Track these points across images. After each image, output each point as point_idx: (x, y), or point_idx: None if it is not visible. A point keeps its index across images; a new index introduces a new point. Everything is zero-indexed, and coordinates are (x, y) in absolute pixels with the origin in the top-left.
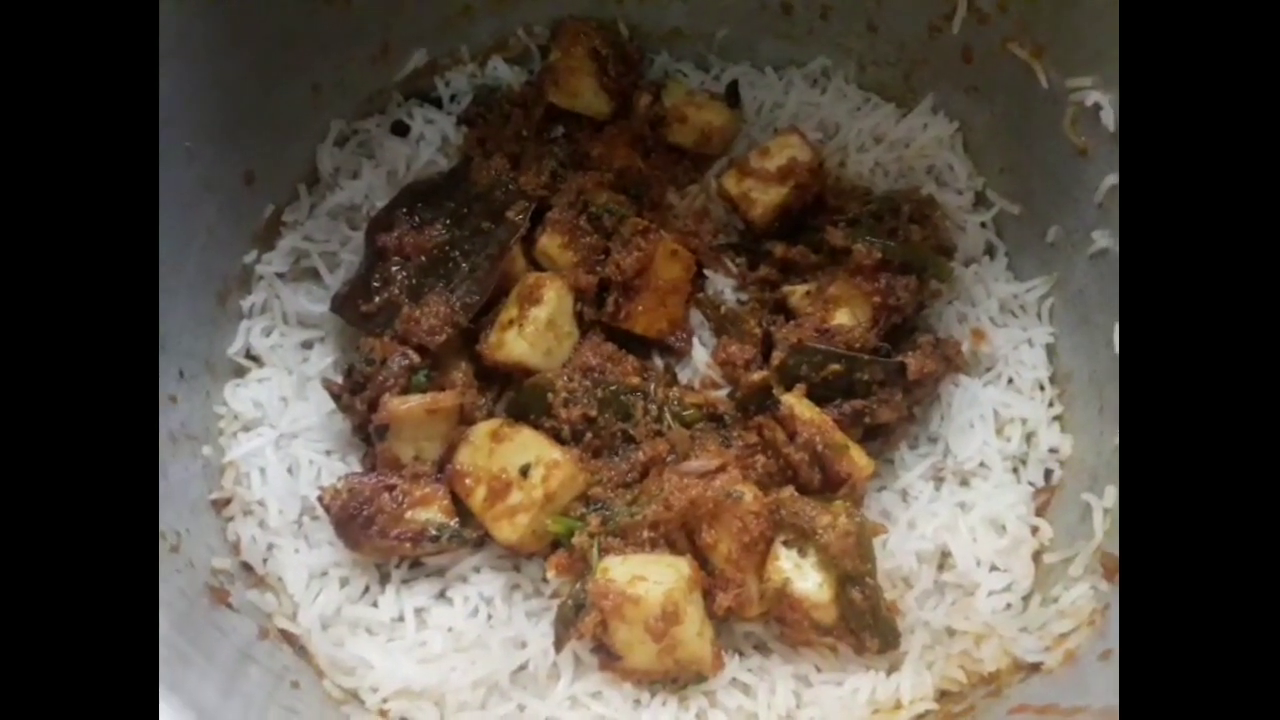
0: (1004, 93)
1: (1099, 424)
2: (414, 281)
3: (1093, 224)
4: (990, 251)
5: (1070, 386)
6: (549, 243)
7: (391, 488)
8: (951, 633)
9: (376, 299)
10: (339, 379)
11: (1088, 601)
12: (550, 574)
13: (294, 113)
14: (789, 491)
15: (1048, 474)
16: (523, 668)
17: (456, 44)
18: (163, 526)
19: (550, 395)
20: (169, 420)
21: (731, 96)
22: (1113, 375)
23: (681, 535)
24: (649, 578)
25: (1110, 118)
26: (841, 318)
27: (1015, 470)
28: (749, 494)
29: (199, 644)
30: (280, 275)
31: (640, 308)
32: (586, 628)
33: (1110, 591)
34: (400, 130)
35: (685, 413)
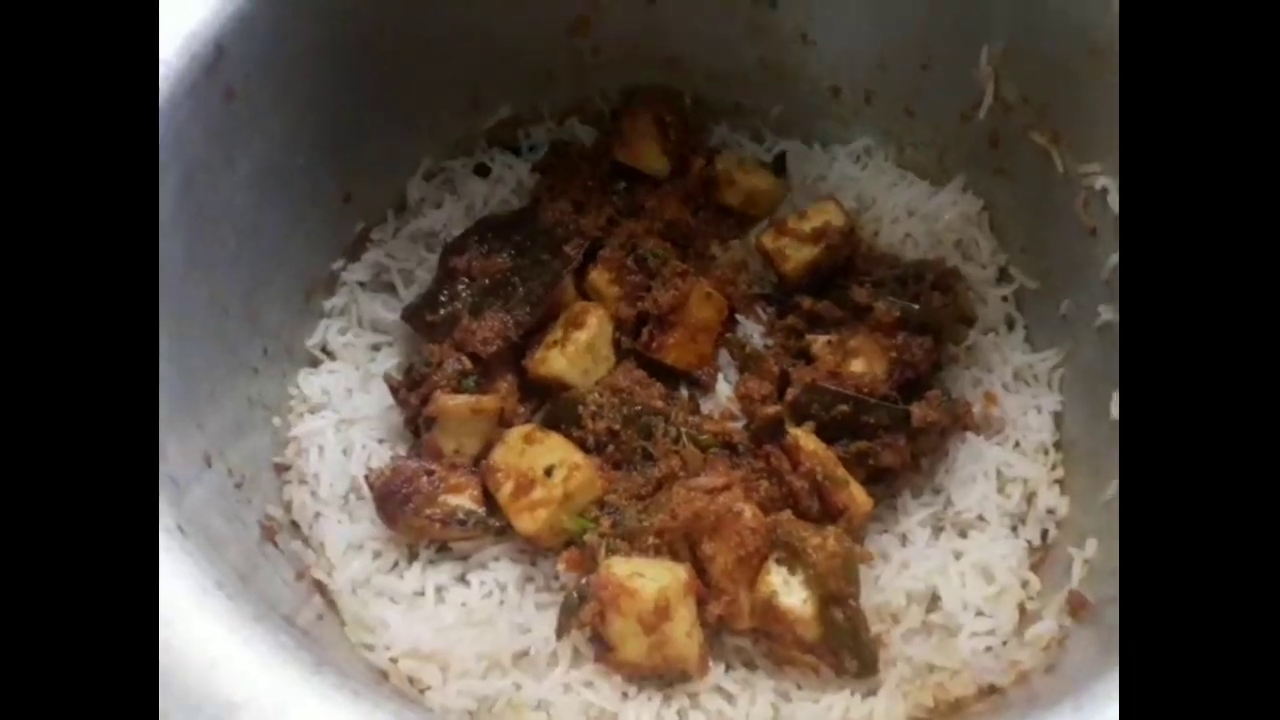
0: (1026, 175)
1: (1095, 488)
2: (476, 299)
3: (1100, 299)
4: (1010, 324)
5: (1073, 452)
6: (598, 277)
7: (431, 473)
8: (931, 669)
9: (441, 311)
10: (400, 377)
11: (1050, 635)
12: (561, 568)
13: (392, 147)
14: (787, 514)
15: (1044, 534)
16: (525, 652)
17: (539, 102)
18: (231, 466)
19: (581, 408)
20: (249, 387)
21: (778, 166)
22: (1110, 443)
23: (684, 545)
24: (647, 575)
25: (1114, 200)
26: (857, 366)
27: (1014, 528)
28: (749, 511)
29: (247, 558)
30: (361, 284)
31: (672, 340)
32: (586, 616)
33: (1072, 626)
34: (482, 171)
35: (701, 437)
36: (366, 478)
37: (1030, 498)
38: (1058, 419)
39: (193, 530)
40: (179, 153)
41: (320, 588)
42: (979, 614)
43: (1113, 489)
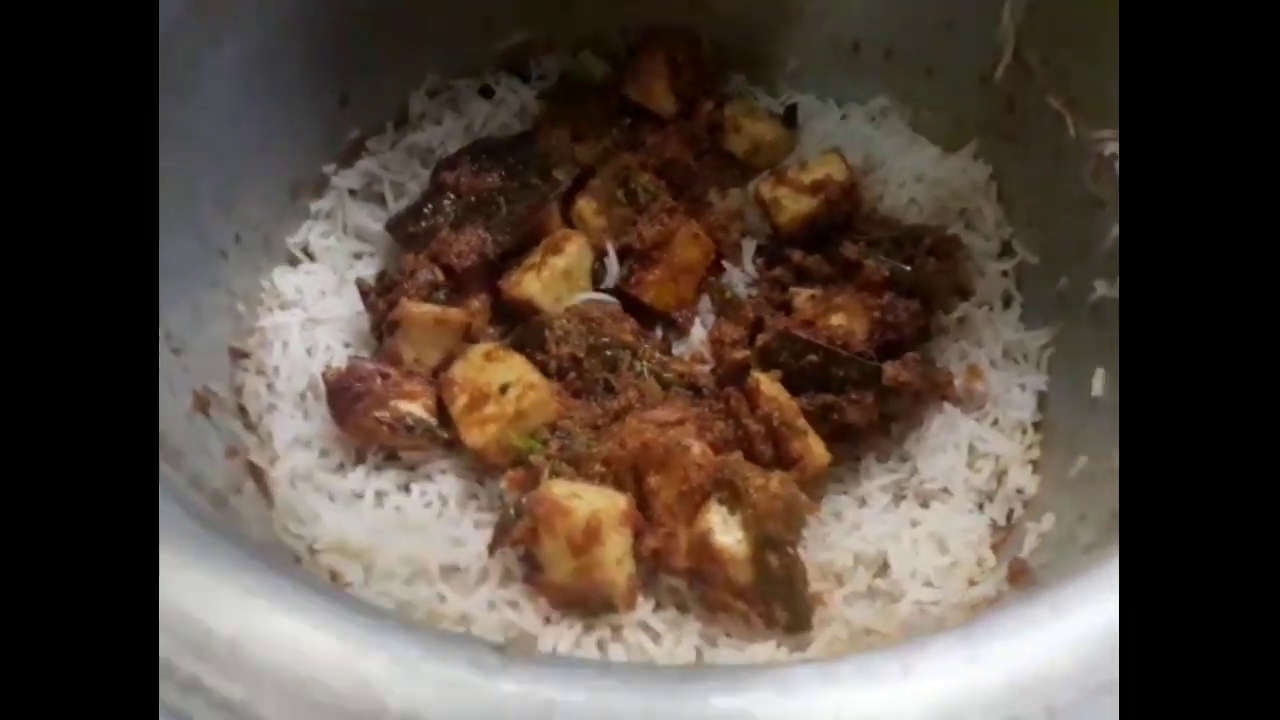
0: (1039, 142)
1: (1065, 465)
2: (459, 215)
3: (1097, 273)
4: (1007, 301)
5: (1052, 434)
6: (584, 205)
7: (386, 376)
8: (867, 632)
9: (423, 224)
10: (373, 284)
11: (984, 597)
12: (504, 485)
13: (397, 57)
14: (737, 455)
15: (1010, 514)
16: (455, 567)
17: (554, 31)
18: (170, 330)
19: (547, 332)
20: (214, 270)
21: (789, 117)
22: (1086, 421)
23: (630, 479)
24: (584, 497)
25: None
26: (836, 320)
27: (980, 505)
28: (697, 447)
29: (173, 424)
30: (352, 191)
31: (652, 278)
32: (519, 533)
33: (1008, 591)
34: (486, 94)
35: (665, 375)
36: (323, 374)
37: (1001, 476)
38: (1041, 399)
39: None
40: (161, 15)
41: (255, 472)
42: (926, 584)
43: (1080, 464)
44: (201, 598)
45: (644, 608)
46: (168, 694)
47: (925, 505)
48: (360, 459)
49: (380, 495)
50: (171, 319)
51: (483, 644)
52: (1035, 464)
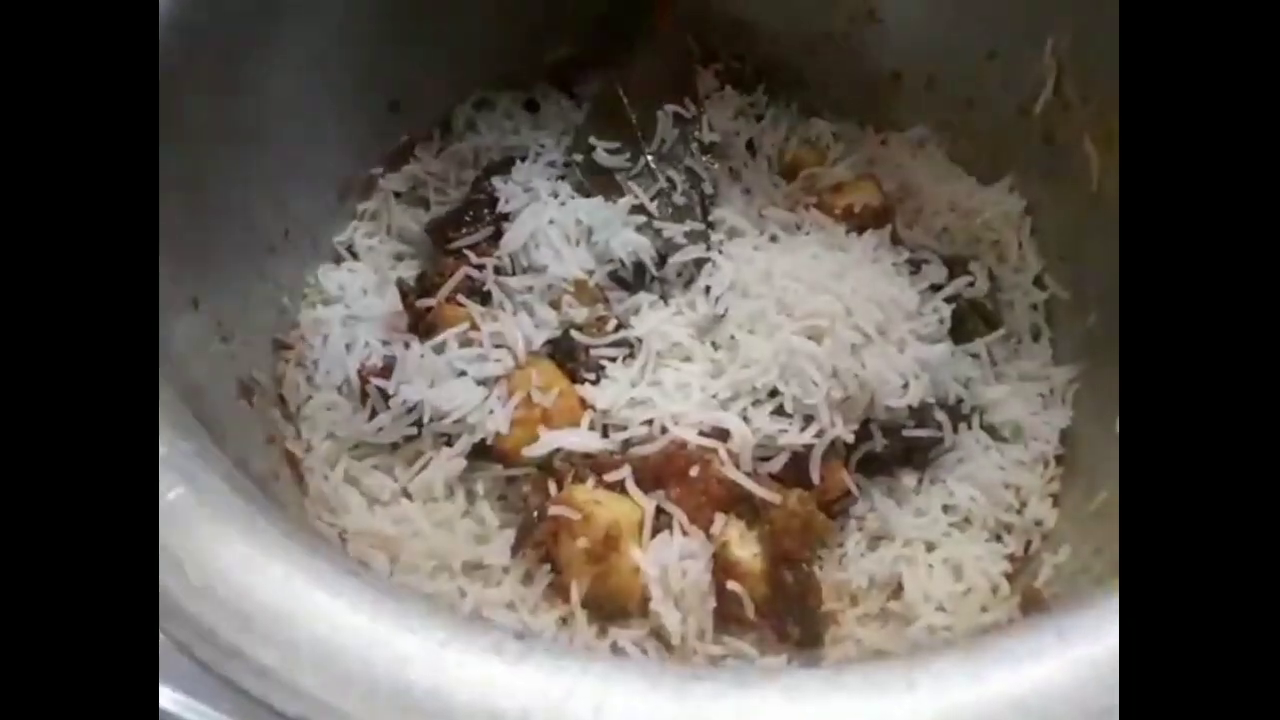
0: (1076, 178)
1: (1085, 500)
2: (496, 222)
3: None
4: (1035, 334)
5: (1074, 469)
6: None
7: None
8: (879, 653)
9: (464, 230)
10: (413, 284)
11: (993, 622)
12: (526, 489)
13: (445, 67)
14: None
15: (1028, 545)
16: (478, 564)
17: (601, 47)
18: (220, 319)
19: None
20: (262, 262)
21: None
22: (1108, 457)
23: (653, 487)
24: (604, 503)
25: None
26: None
27: (999, 535)
28: (718, 461)
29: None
30: (397, 194)
31: None
32: (540, 535)
33: (1018, 617)
34: (531, 107)
35: None
36: (359, 370)
37: (1021, 507)
38: (1065, 434)
39: (169, 369)
40: (218, 14)
41: (292, 460)
42: (939, 609)
43: (1100, 498)
44: (246, 571)
45: (659, 616)
46: (212, 658)
47: (945, 533)
48: (393, 449)
49: (407, 490)
50: (222, 308)
51: (507, 630)
52: (1055, 497)
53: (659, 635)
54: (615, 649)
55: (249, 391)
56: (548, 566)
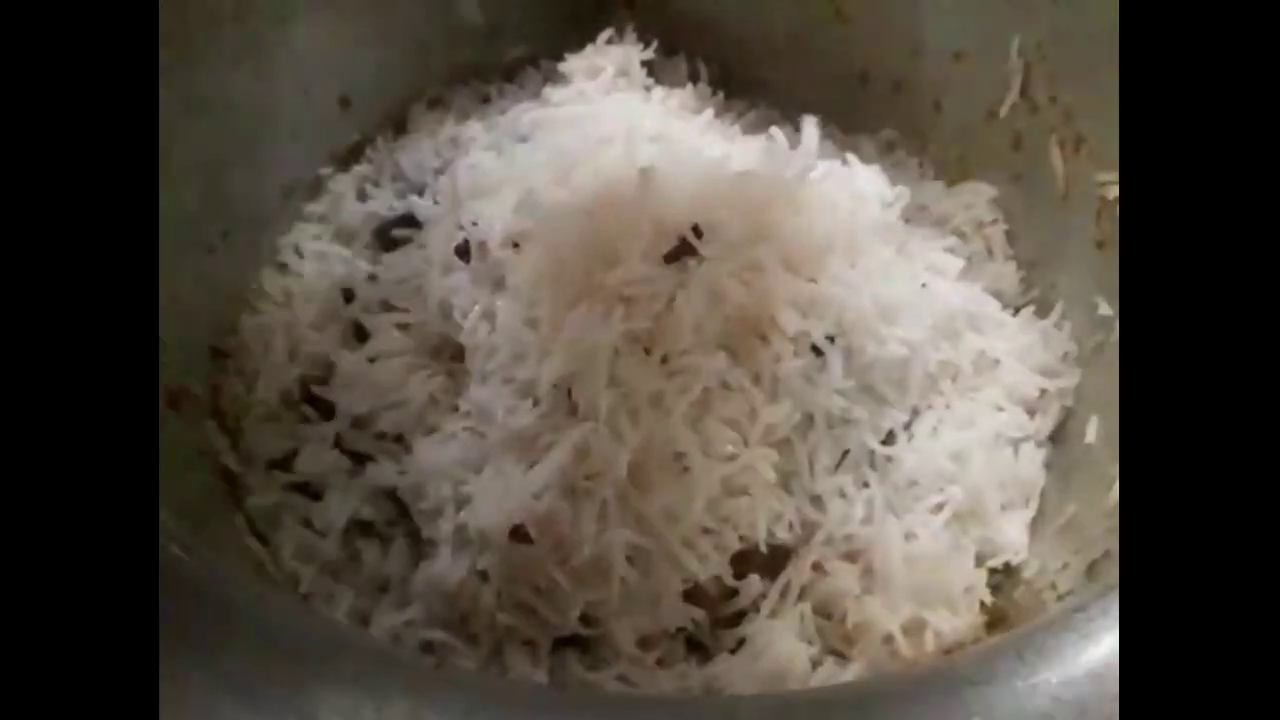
0: (1045, 182)
1: (1056, 518)
2: None
3: (1099, 325)
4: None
5: (1046, 482)
6: None
7: None
8: None
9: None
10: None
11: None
12: None
13: (401, 65)
14: None
15: (1005, 566)
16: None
17: (560, 45)
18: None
19: None
20: (199, 263)
21: None
22: (1079, 472)
23: None
24: None
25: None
26: None
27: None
28: None
29: None
30: (345, 196)
31: None
32: None
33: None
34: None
35: None
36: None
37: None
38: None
39: None
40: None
41: (228, 475)
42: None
43: (1069, 512)
44: None
45: None
46: None
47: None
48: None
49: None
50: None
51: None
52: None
53: None
54: None
55: (176, 400)
56: None
